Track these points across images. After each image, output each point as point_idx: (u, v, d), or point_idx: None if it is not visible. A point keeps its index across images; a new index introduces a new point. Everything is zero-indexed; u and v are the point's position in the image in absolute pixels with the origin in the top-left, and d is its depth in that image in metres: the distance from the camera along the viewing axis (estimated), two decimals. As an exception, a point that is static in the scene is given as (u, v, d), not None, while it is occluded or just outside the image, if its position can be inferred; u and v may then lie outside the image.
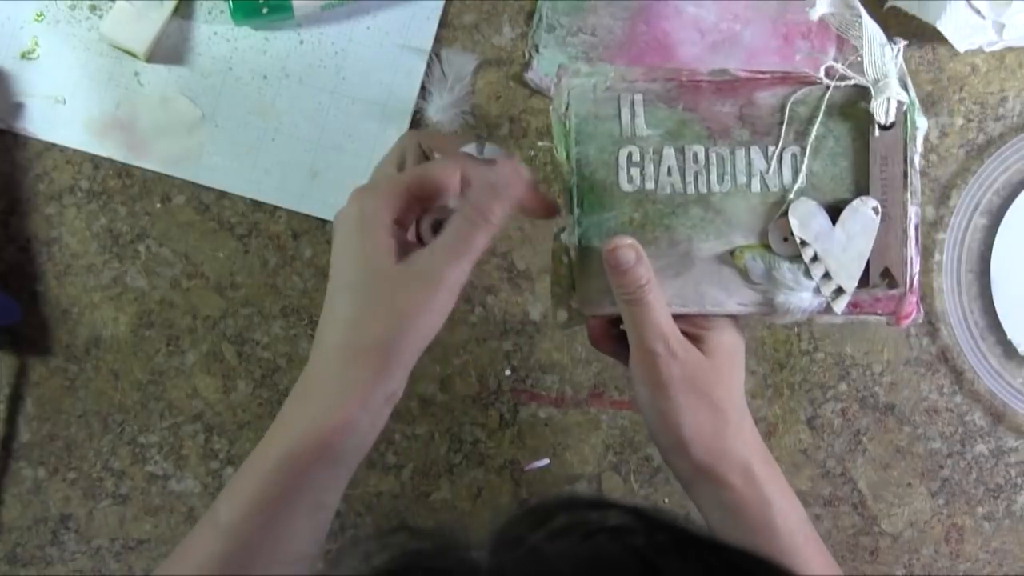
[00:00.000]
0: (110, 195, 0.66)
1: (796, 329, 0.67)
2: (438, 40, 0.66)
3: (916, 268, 0.52)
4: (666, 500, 0.68)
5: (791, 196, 0.52)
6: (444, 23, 0.66)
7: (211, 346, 0.66)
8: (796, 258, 0.52)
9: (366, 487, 0.67)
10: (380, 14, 0.66)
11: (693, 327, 0.52)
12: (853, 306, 0.52)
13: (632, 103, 0.52)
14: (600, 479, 0.68)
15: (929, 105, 0.67)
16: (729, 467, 0.51)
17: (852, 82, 0.51)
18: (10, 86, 0.65)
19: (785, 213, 0.52)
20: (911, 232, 0.52)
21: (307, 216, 0.66)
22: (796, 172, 0.52)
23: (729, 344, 0.52)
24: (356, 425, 0.47)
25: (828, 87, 0.51)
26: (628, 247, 0.50)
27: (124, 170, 0.66)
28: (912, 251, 0.52)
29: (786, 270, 0.52)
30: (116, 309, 0.66)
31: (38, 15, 0.65)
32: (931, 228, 0.68)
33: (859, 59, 0.51)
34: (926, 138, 0.67)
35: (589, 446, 0.68)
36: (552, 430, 0.67)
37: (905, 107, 0.51)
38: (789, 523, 0.52)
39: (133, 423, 0.67)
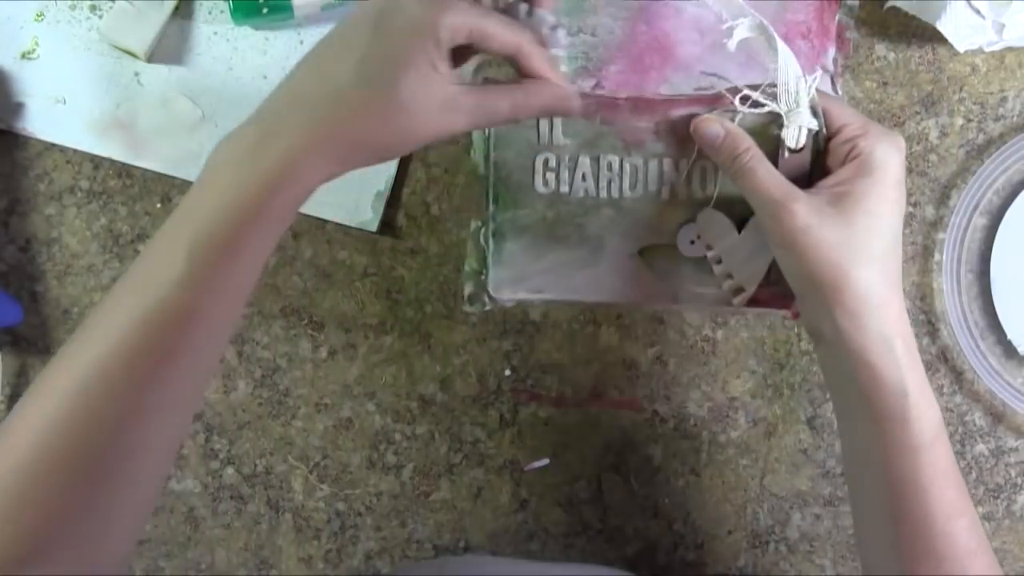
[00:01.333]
0: (110, 195, 0.66)
1: (796, 329, 0.67)
2: (438, 40, 0.66)
3: None
4: (666, 500, 0.68)
5: (699, 204, 0.56)
6: (444, 23, 0.66)
7: (211, 346, 0.66)
8: (702, 259, 0.56)
9: (366, 487, 0.67)
10: (380, 14, 0.66)
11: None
12: (753, 301, 0.56)
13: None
14: (600, 479, 0.68)
15: (929, 105, 0.67)
16: (868, 334, 0.48)
17: (765, 108, 0.53)
18: (10, 86, 0.65)
19: (693, 218, 0.56)
20: None
21: (307, 216, 0.66)
22: (706, 183, 0.56)
23: (874, 191, 0.50)
24: (307, 185, 0.46)
25: (738, 112, 0.54)
26: (710, 121, 0.53)
27: (124, 170, 0.66)
28: None
29: (692, 270, 0.57)
30: (116, 309, 0.66)
31: (38, 15, 0.65)
32: (931, 228, 0.68)
33: (774, 87, 0.53)
34: (926, 138, 0.67)
35: (589, 446, 0.68)
36: (552, 430, 0.67)
37: (812, 134, 0.53)
38: (924, 423, 0.48)
39: (133, 423, 0.67)
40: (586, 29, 0.65)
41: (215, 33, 0.66)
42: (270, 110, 0.47)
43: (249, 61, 0.66)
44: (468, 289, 0.58)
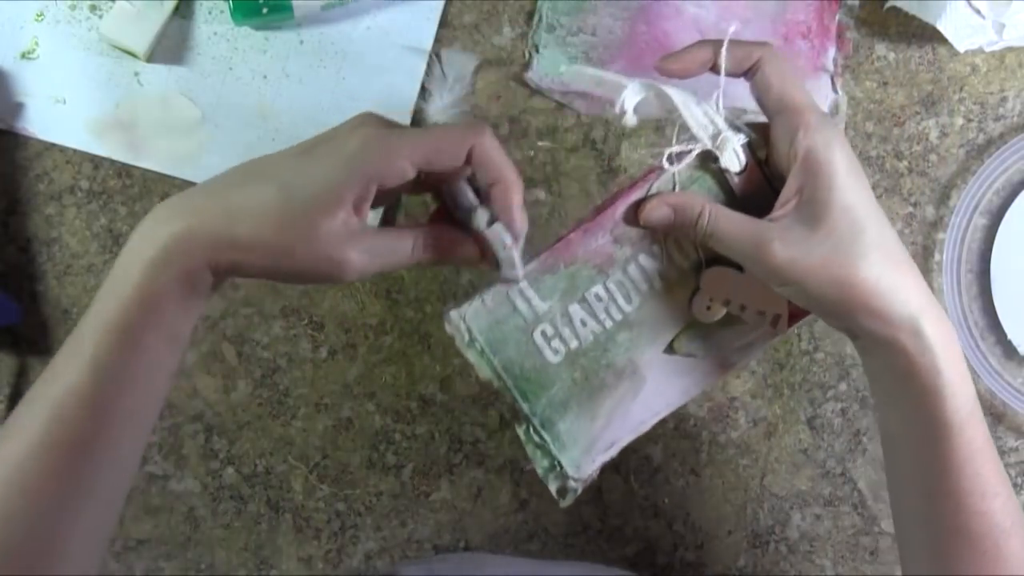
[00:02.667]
0: (110, 195, 0.66)
1: (796, 330, 0.67)
2: (438, 40, 0.66)
3: None
4: (666, 500, 0.68)
5: (693, 272, 0.54)
6: (444, 23, 0.66)
7: (211, 346, 0.66)
8: (727, 318, 0.54)
9: (366, 487, 0.67)
10: (380, 14, 0.66)
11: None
12: (793, 317, 0.54)
13: (520, 291, 0.54)
14: (600, 479, 0.68)
15: (929, 105, 0.67)
16: (895, 325, 0.47)
17: (694, 153, 0.52)
18: (10, 86, 0.65)
19: (697, 287, 0.54)
20: None
21: (307, 216, 0.66)
22: (687, 252, 0.54)
23: (834, 191, 0.48)
24: (204, 277, 0.46)
25: (672, 172, 0.53)
26: (653, 207, 0.52)
27: (124, 170, 0.66)
28: None
29: (725, 330, 0.55)
30: (116, 309, 0.66)
31: (38, 15, 0.65)
32: (931, 228, 0.68)
33: (688, 132, 0.52)
34: (926, 138, 0.67)
35: (589, 446, 0.68)
36: (552, 430, 0.67)
37: (747, 143, 0.52)
38: (959, 399, 0.48)
39: (133, 423, 0.67)
40: (586, 29, 0.65)
41: (215, 33, 0.66)
42: (182, 193, 0.48)
43: (249, 61, 0.66)
44: (554, 487, 0.55)
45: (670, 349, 0.55)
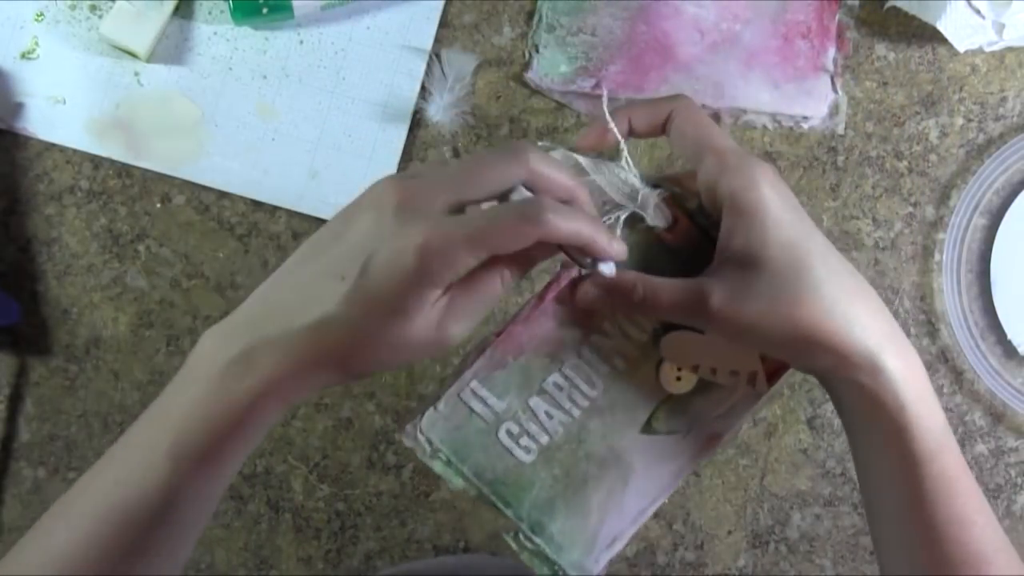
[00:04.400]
0: (110, 195, 0.66)
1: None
2: (438, 40, 0.66)
3: None
4: (666, 500, 0.68)
5: (653, 342, 0.52)
6: (444, 23, 0.66)
7: (211, 346, 0.66)
8: (702, 385, 0.52)
9: (366, 487, 0.67)
10: (380, 14, 0.66)
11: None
12: (773, 375, 0.51)
13: (473, 392, 0.52)
14: (600, 479, 0.68)
15: (929, 105, 0.67)
16: (857, 365, 0.46)
17: (621, 218, 0.50)
18: (10, 86, 0.65)
19: (661, 359, 0.51)
20: None
21: (307, 216, 0.66)
22: (642, 324, 0.52)
23: (767, 235, 0.46)
24: (292, 397, 0.44)
25: (591, 268, 0.49)
26: (584, 291, 0.49)
27: (124, 170, 0.66)
28: None
29: (702, 400, 0.52)
30: (116, 309, 0.66)
31: (38, 15, 0.65)
32: (931, 228, 0.68)
33: (609, 199, 0.50)
34: (926, 138, 0.67)
35: (589, 446, 0.68)
36: (552, 430, 0.67)
37: (667, 197, 0.50)
38: (923, 433, 0.46)
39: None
40: (586, 29, 0.65)
41: (215, 33, 0.66)
42: (255, 320, 0.45)
43: (249, 61, 0.66)
44: None
45: (649, 429, 0.52)
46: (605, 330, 0.52)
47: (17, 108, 0.65)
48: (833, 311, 0.45)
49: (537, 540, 0.52)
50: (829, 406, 0.68)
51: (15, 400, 0.66)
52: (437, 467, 0.52)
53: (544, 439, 0.52)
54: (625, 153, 0.49)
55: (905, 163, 0.68)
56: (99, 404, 0.66)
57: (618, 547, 0.52)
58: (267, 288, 0.46)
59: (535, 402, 0.52)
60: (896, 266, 0.67)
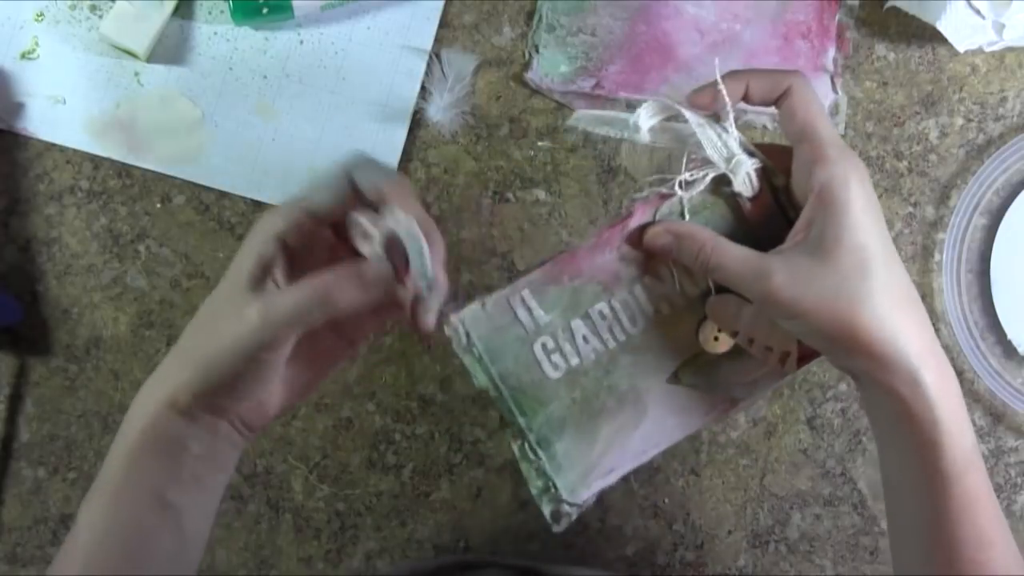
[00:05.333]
0: (110, 195, 0.66)
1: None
2: (438, 40, 0.66)
3: None
4: (666, 500, 0.68)
5: (700, 299, 0.53)
6: (444, 23, 0.66)
7: (211, 346, 0.66)
8: (735, 351, 0.53)
9: (366, 487, 0.67)
10: (380, 14, 0.66)
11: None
12: (803, 359, 0.52)
13: (522, 299, 0.53)
14: (600, 479, 0.68)
15: (929, 105, 0.67)
16: (894, 372, 0.47)
17: (708, 178, 0.51)
18: (10, 86, 0.65)
19: (704, 316, 0.53)
20: None
21: (307, 216, 0.66)
22: (696, 277, 0.53)
23: (846, 230, 0.47)
24: (163, 422, 0.47)
25: (682, 198, 0.52)
26: (656, 235, 0.51)
27: (124, 170, 0.66)
28: None
29: (731, 363, 0.53)
30: (116, 309, 0.66)
31: (38, 15, 0.65)
32: (931, 228, 0.68)
33: (695, 160, 0.51)
34: (926, 138, 0.67)
35: (589, 446, 0.68)
36: (552, 430, 0.67)
37: (761, 169, 0.51)
38: (956, 451, 0.47)
39: (133, 423, 0.67)
40: (586, 29, 0.65)
41: (215, 33, 0.66)
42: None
43: (249, 61, 0.66)
44: (547, 509, 0.54)
45: (674, 379, 0.54)
46: (660, 275, 0.53)
47: (17, 108, 0.65)
48: (884, 319, 0.46)
49: (540, 454, 0.53)
50: (829, 406, 0.68)
51: (15, 400, 0.66)
52: (467, 360, 0.53)
53: (575, 361, 0.53)
54: (732, 116, 0.50)
55: (905, 163, 0.68)
56: (99, 404, 0.66)
57: (612, 479, 0.54)
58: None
59: (577, 324, 0.53)
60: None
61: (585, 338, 0.53)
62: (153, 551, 0.47)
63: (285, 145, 0.66)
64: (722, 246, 0.49)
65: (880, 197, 0.67)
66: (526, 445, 0.54)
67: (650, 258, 0.53)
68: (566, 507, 0.54)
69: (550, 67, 0.65)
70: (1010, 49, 0.67)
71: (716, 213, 0.53)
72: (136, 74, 0.65)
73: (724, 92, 0.50)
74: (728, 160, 0.51)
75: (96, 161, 0.66)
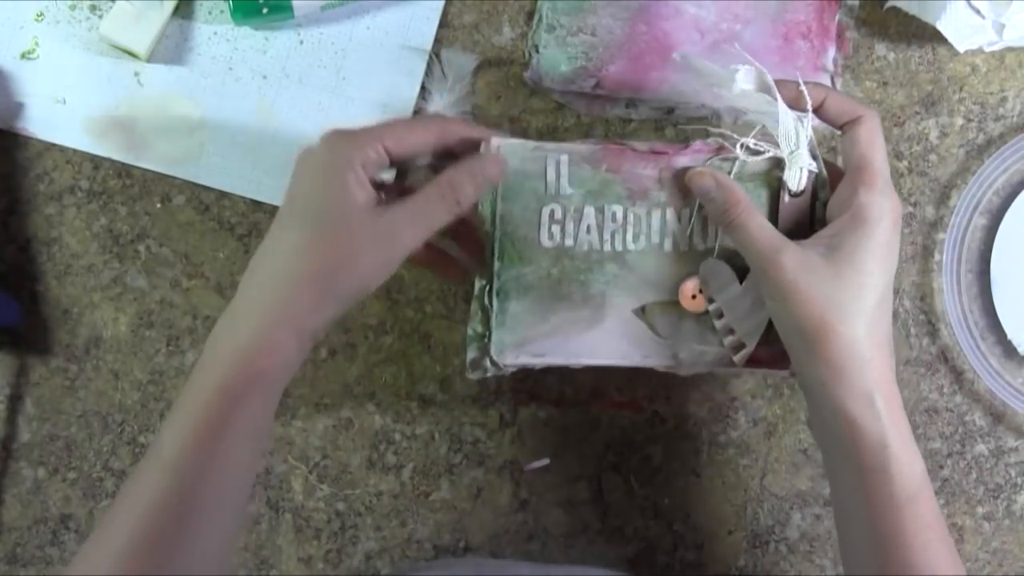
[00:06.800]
0: (110, 195, 0.66)
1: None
2: (438, 40, 0.66)
3: None
4: (665, 500, 0.68)
5: (701, 256, 0.55)
6: (444, 23, 0.66)
7: (211, 346, 0.66)
8: (703, 314, 0.55)
9: (366, 487, 0.67)
10: (380, 14, 0.66)
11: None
12: (752, 360, 0.55)
13: (558, 163, 0.55)
14: (600, 479, 0.68)
15: (929, 105, 0.67)
16: (849, 389, 0.49)
17: (768, 154, 0.54)
18: (10, 86, 0.65)
19: (696, 272, 0.55)
20: None
21: (307, 216, 0.66)
22: (707, 234, 0.55)
23: (864, 248, 0.50)
24: (285, 352, 0.48)
25: (737, 160, 0.54)
26: (703, 174, 0.53)
27: (124, 170, 0.66)
28: None
29: (692, 325, 0.55)
30: (116, 309, 0.66)
31: (38, 15, 0.65)
32: (931, 228, 0.68)
33: (774, 132, 0.54)
34: (926, 138, 0.67)
35: (589, 446, 0.68)
36: (552, 430, 0.67)
37: (813, 176, 0.54)
38: (904, 476, 0.49)
39: (133, 423, 0.67)
40: (586, 29, 0.65)
41: (215, 33, 0.66)
42: (238, 297, 0.51)
43: (249, 61, 0.66)
44: (471, 354, 0.56)
45: (640, 312, 0.56)
46: (681, 216, 0.55)
47: (17, 108, 0.65)
48: (858, 339, 0.49)
49: (495, 303, 0.55)
50: (829, 406, 0.68)
51: (15, 400, 0.66)
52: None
53: (569, 242, 0.55)
54: (811, 113, 0.53)
55: (905, 163, 0.68)
56: (99, 404, 0.66)
57: (538, 362, 0.56)
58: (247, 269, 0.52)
59: (589, 211, 0.55)
60: (896, 266, 0.67)
61: (588, 228, 0.55)
62: (241, 478, 0.49)
63: (285, 145, 0.66)
64: (752, 211, 0.52)
65: (880, 197, 0.67)
66: (487, 288, 0.55)
67: (683, 195, 0.55)
68: (487, 363, 0.56)
69: (550, 67, 0.65)
70: (1010, 49, 0.67)
71: (757, 191, 0.55)
72: (136, 74, 0.66)
73: (806, 92, 0.53)
74: (791, 151, 0.53)
75: (96, 161, 0.66)
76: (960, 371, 0.68)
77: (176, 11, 0.64)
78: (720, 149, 0.55)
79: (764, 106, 0.53)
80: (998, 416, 0.68)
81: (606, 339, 0.55)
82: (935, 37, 0.65)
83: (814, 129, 0.54)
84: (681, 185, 0.55)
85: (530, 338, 0.55)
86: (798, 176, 0.54)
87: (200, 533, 0.47)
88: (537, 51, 0.66)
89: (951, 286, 0.66)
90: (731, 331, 0.55)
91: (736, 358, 0.55)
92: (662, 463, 0.68)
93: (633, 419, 0.68)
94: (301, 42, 0.66)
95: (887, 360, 0.50)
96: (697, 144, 0.55)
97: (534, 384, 0.67)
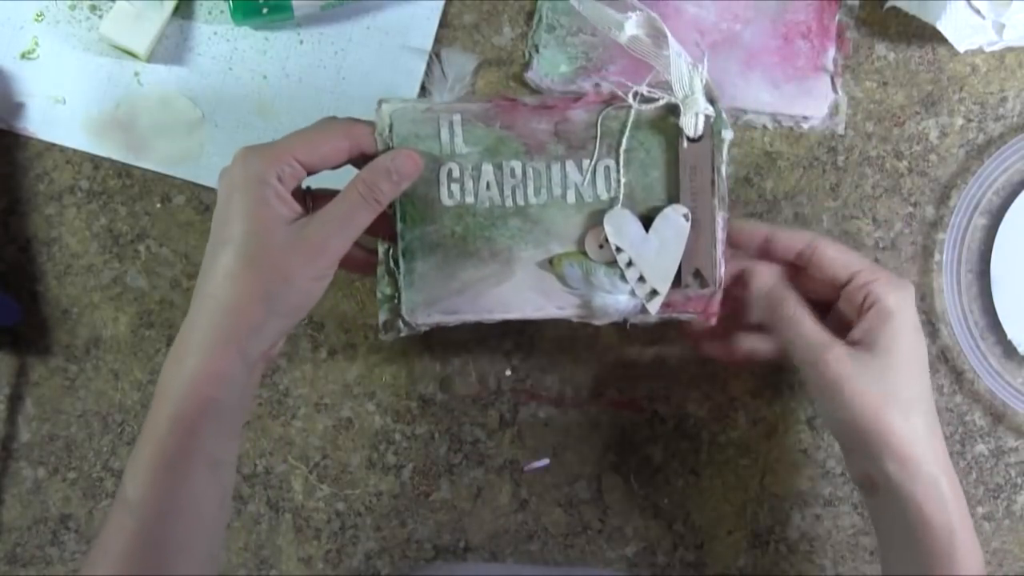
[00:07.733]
0: (110, 195, 0.66)
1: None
2: (438, 40, 0.66)
3: (723, 269, 0.56)
4: (665, 500, 0.68)
5: (605, 206, 0.56)
6: (444, 23, 0.66)
7: (211, 346, 0.66)
8: (612, 264, 0.56)
9: (366, 487, 0.67)
10: (380, 14, 0.66)
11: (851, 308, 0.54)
12: (666, 306, 0.56)
13: (451, 123, 0.55)
14: (600, 479, 0.68)
15: (929, 105, 0.67)
16: (917, 478, 0.50)
17: (661, 102, 0.54)
18: (10, 86, 0.65)
19: (600, 222, 0.55)
20: (719, 235, 0.56)
21: (307, 216, 0.66)
22: (610, 183, 0.56)
23: (899, 337, 0.52)
24: (233, 377, 0.48)
25: (633, 108, 0.54)
26: (760, 274, 0.56)
27: (124, 170, 0.66)
28: (719, 253, 0.56)
29: (602, 275, 0.56)
30: (116, 309, 0.66)
31: (38, 15, 0.65)
32: (931, 228, 0.68)
33: (667, 78, 0.54)
34: (926, 138, 0.67)
35: (589, 446, 0.68)
36: (552, 430, 0.67)
37: (712, 120, 0.54)
38: (969, 560, 0.50)
39: (133, 423, 0.67)
40: (586, 29, 0.65)
41: (215, 33, 0.66)
42: (185, 325, 0.51)
43: (249, 61, 0.66)
44: (382, 316, 0.57)
45: (547, 265, 0.56)
46: (582, 166, 0.55)
47: (17, 108, 0.65)
48: (917, 426, 0.51)
49: (401, 265, 0.56)
50: (829, 406, 0.68)
51: (15, 400, 0.66)
52: (379, 146, 0.55)
53: (469, 200, 0.56)
54: (706, 63, 0.54)
55: (905, 163, 0.68)
56: (99, 404, 0.66)
57: (451, 320, 0.56)
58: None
59: (487, 168, 0.56)
60: (896, 266, 0.67)
61: (488, 185, 0.55)
62: (205, 512, 0.49)
63: (285, 145, 0.66)
64: (803, 307, 0.54)
65: (880, 197, 0.67)
66: (391, 250, 0.56)
67: (580, 145, 0.55)
68: (400, 323, 0.56)
69: (550, 67, 0.65)
70: (1010, 49, 0.67)
71: (655, 139, 0.55)
72: (136, 74, 0.66)
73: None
74: (686, 96, 0.54)
75: (96, 161, 0.66)
76: (960, 371, 0.68)
77: (176, 11, 0.64)
78: (613, 98, 0.55)
79: (657, 52, 0.54)
80: (998, 416, 0.68)
81: (517, 293, 0.56)
82: (935, 37, 0.65)
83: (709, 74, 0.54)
84: (579, 135, 0.55)
85: (440, 296, 0.56)
86: (694, 121, 0.54)
87: (172, 567, 0.48)
88: (537, 51, 0.66)
89: (951, 286, 0.66)
90: (642, 279, 0.56)
91: (649, 305, 0.56)
92: (662, 463, 0.68)
93: (633, 419, 0.68)
94: (301, 42, 0.66)
95: (943, 440, 0.52)
96: (589, 95, 0.55)
97: (534, 384, 0.67)
